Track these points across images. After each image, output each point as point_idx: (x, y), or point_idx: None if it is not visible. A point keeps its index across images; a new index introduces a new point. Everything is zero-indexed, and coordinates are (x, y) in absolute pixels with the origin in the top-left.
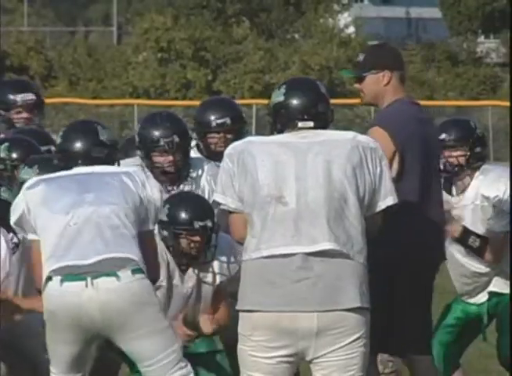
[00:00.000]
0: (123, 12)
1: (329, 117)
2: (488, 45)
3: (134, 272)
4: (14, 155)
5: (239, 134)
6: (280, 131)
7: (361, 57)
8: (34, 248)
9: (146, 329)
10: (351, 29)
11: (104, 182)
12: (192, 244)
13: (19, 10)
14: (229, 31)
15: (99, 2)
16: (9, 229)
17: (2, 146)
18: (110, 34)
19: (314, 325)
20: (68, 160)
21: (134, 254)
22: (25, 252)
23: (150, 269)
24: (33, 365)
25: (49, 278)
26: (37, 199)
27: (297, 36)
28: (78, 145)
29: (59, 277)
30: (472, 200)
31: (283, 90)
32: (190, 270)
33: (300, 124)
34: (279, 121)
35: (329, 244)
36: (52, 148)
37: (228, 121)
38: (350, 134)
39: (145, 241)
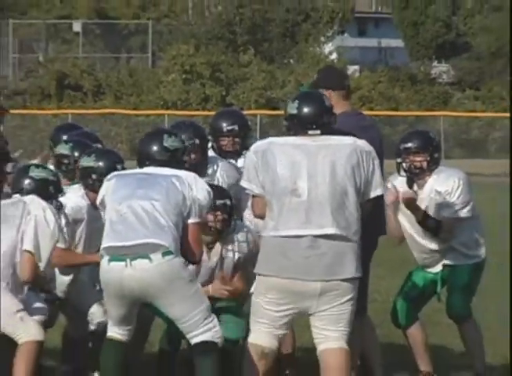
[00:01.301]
0: (156, 42)
1: (333, 123)
2: (440, 69)
3: (164, 254)
4: (76, 153)
5: (245, 138)
6: (294, 135)
7: (315, 77)
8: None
9: (176, 297)
10: (334, 55)
11: (156, 182)
12: (216, 218)
13: (75, 41)
14: (238, 57)
15: (138, 35)
16: (50, 199)
17: (67, 146)
18: (147, 59)
19: (317, 290)
20: (139, 161)
21: (165, 240)
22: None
23: (190, 253)
24: (84, 316)
25: (102, 256)
26: (109, 189)
27: (292, 61)
28: (145, 149)
29: (107, 257)
30: (428, 194)
31: (296, 104)
32: (215, 248)
33: (309, 132)
34: (293, 128)
35: (332, 229)
36: (99, 146)
37: (236, 127)
38: (350, 139)
39: (187, 231)
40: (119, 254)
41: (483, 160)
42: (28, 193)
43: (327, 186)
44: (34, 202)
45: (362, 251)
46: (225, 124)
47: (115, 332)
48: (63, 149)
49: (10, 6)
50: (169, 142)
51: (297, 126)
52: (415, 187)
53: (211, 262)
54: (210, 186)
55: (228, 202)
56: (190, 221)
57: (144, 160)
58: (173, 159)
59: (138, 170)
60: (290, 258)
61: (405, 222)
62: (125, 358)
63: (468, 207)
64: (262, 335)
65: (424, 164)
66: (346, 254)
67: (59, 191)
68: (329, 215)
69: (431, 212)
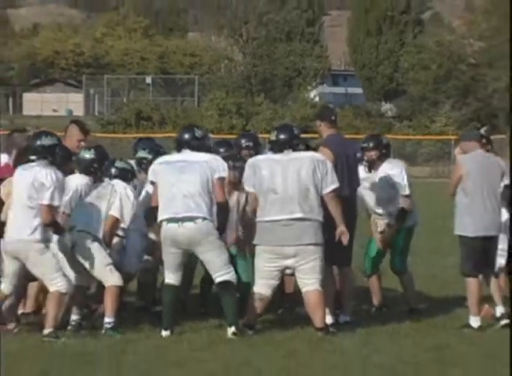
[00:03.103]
0: (200, 89)
1: (301, 145)
2: (386, 107)
3: (203, 220)
4: (150, 156)
5: (257, 151)
6: (274, 154)
7: (317, 111)
8: (155, 190)
9: (207, 247)
10: (317, 98)
11: (193, 168)
12: (234, 175)
13: (147, 89)
14: (253, 99)
15: (188, 85)
16: (128, 181)
17: (145, 151)
18: (194, 101)
19: (292, 252)
20: (178, 145)
21: (202, 212)
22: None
23: (219, 198)
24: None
25: (161, 221)
26: (160, 172)
27: (289, 102)
28: (182, 137)
29: (166, 221)
30: (380, 175)
31: (275, 133)
32: (233, 196)
33: (285, 152)
34: (274, 149)
35: (299, 214)
36: (161, 150)
37: (251, 144)
38: (310, 153)
39: (216, 185)
40: (173, 220)
41: (414, 167)
42: (114, 177)
43: (295, 185)
44: (119, 184)
45: (349, 224)
46: (243, 142)
47: (170, 278)
48: (142, 154)
49: (105, 66)
50: (199, 133)
51: (276, 148)
52: (372, 171)
53: (230, 205)
54: (228, 156)
55: (237, 164)
56: (216, 176)
57: (182, 145)
58: (202, 145)
59: (178, 157)
60: (273, 234)
61: (372, 201)
62: (177, 296)
63: (408, 185)
64: (261, 286)
65: (375, 157)
66: (309, 229)
67: (134, 177)
68: (297, 205)
69: (382, 186)
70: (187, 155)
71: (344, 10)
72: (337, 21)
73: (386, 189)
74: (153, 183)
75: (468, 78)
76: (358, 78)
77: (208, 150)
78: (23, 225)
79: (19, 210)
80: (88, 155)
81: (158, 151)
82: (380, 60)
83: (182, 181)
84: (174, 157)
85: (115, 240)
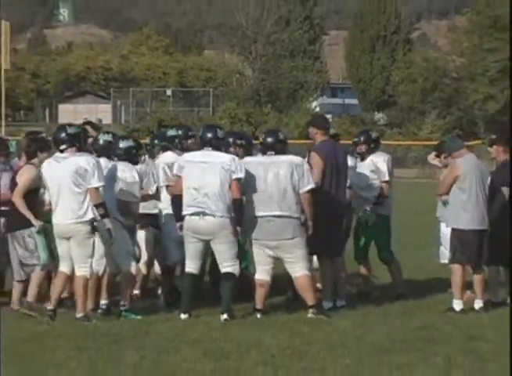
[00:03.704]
0: (215, 101)
1: (285, 149)
2: (379, 116)
3: (221, 216)
4: (179, 132)
5: (248, 150)
6: (263, 154)
7: (310, 119)
8: (179, 181)
9: (222, 239)
10: (318, 109)
11: (214, 170)
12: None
13: (168, 100)
14: (262, 110)
15: (204, 97)
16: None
17: (173, 130)
18: (209, 111)
19: (274, 245)
20: (201, 144)
21: (221, 210)
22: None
23: (235, 194)
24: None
25: (185, 215)
26: (185, 168)
27: (293, 112)
28: (205, 136)
29: (189, 215)
30: (368, 163)
31: (263, 136)
32: None
33: (268, 153)
34: (262, 151)
35: (278, 212)
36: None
37: (240, 142)
38: (289, 157)
39: (233, 185)
40: (196, 213)
41: (403, 169)
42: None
43: (274, 186)
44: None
45: (336, 218)
46: (231, 139)
47: (191, 268)
48: (172, 132)
49: (131, 80)
50: (221, 133)
51: (264, 149)
52: (363, 160)
53: None
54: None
55: (238, 142)
56: (233, 177)
57: (205, 143)
58: (222, 145)
59: (201, 157)
60: (260, 228)
61: (357, 187)
62: (196, 284)
63: (388, 174)
64: (260, 272)
65: (365, 150)
66: (288, 225)
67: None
68: (276, 203)
69: (365, 174)
70: (209, 155)
71: (341, 30)
72: (335, 40)
73: (367, 176)
74: (177, 175)
75: (451, 91)
76: (354, 91)
77: (227, 148)
78: (75, 209)
79: (67, 196)
80: (126, 143)
81: (187, 129)
82: (373, 75)
83: (205, 181)
84: (198, 156)
85: (151, 232)
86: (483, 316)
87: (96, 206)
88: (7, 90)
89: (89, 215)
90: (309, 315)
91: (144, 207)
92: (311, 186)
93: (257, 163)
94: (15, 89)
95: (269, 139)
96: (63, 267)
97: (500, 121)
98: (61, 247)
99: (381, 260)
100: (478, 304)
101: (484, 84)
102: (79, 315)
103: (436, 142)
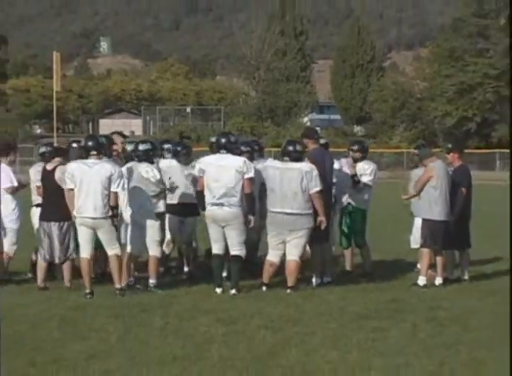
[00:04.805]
0: (225, 117)
1: (300, 158)
2: (357, 129)
3: (235, 207)
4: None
5: (253, 156)
6: (281, 158)
7: (303, 131)
8: (201, 180)
9: (234, 226)
10: (309, 123)
11: (229, 173)
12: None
13: (187, 116)
14: (263, 124)
15: (216, 113)
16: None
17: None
18: (220, 125)
19: (288, 232)
20: (216, 147)
21: (235, 202)
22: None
23: (246, 190)
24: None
25: (207, 204)
26: (206, 169)
27: (289, 126)
28: (220, 140)
29: (210, 205)
30: (359, 168)
31: (284, 144)
32: None
33: (284, 159)
34: (280, 157)
35: (291, 210)
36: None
37: (248, 149)
38: (299, 164)
39: (245, 183)
40: (215, 204)
41: (379, 171)
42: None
43: (288, 189)
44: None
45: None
46: (243, 147)
47: (216, 249)
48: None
49: (158, 100)
50: (233, 138)
51: (282, 156)
52: (356, 165)
53: None
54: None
55: (244, 149)
56: (246, 176)
57: (220, 147)
58: (235, 148)
59: (218, 160)
60: (276, 221)
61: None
62: (223, 262)
63: (374, 179)
64: (271, 255)
65: (359, 157)
66: (297, 220)
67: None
68: (290, 203)
69: (359, 175)
70: (224, 158)
71: (327, 60)
72: (322, 68)
73: (349, 176)
74: (199, 175)
75: (416, 108)
76: (337, 108)
77: (239, 151)
78: (102, 206)
79: (95, 195)
80: (145, 146)
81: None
82: (353, 95)
83: (223, 181)
84: (216, 159)
85: (174, 219)
86: (442, 290)
87: (112, 207)
88: (58, 108)
89: (110, 212)
90: (288, 291)
91: (169, 199)
92: (318, 188)
93: (274, 167)
94: (64, 107)
95: (289, 148)
96: (84, 254)
97: (455, 133)
98: (83, 234)
99: (356, 244)
100: (438, 281)
101: (443, 103)
102: (117, 286)
103: (405, 150)
